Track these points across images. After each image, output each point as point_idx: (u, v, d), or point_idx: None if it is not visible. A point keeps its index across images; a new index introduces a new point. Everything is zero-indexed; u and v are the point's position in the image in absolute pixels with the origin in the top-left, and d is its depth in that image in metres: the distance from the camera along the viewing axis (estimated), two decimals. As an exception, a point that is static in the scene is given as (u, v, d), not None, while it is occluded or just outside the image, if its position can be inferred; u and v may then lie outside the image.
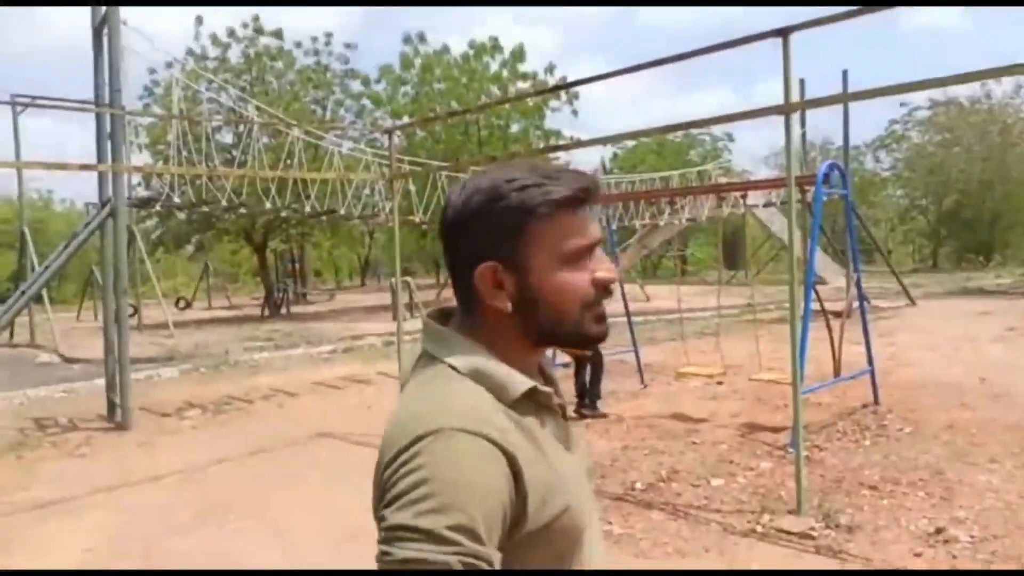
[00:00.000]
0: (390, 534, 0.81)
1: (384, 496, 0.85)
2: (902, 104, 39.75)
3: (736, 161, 39.66)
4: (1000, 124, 37.32)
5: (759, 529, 4.36)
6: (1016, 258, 38.28)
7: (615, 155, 44.25)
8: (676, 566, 3.95)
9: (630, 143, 39.85)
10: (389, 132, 8.41)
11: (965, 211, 38.09)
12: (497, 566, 0.83)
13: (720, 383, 8.60)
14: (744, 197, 8.59)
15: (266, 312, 22.70)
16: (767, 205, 21.01)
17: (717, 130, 43.31)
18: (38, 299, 13.84)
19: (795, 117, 4.72)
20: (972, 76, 4.10)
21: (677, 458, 5.88)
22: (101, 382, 8.74)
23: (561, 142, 26.39)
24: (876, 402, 7.16)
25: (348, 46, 26.69)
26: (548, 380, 1.07)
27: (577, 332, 1.00)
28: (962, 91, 37.60)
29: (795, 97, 4.74)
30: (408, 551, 0.79)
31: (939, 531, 4.15)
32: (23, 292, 8.10)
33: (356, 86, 27.05)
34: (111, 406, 8.18)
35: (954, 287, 22.72)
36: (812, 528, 4.28)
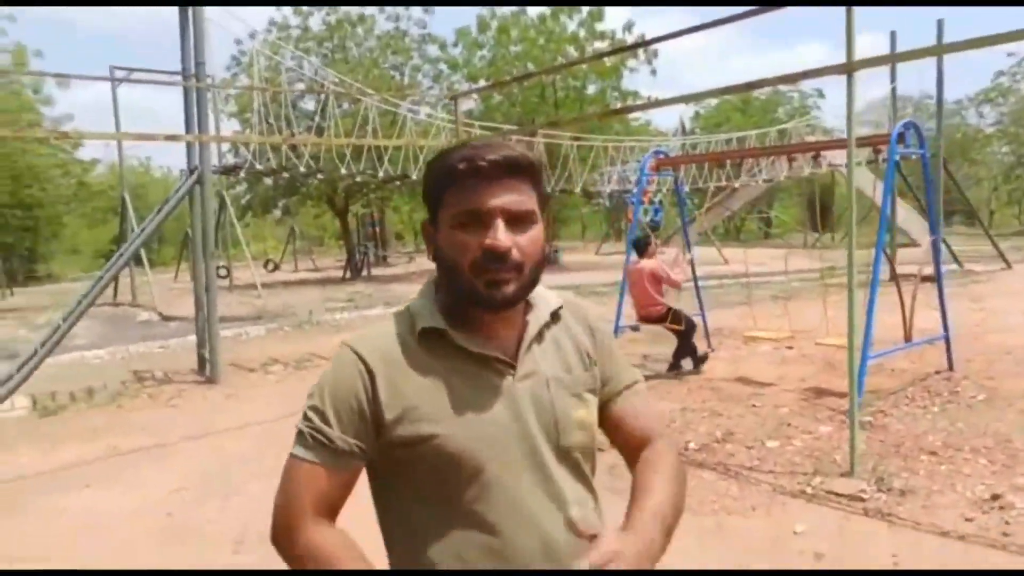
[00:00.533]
0: None
1: None
2: (1010, 54, 36.97)
3: (827, 118, 37.93)
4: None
5: (808, 490, 4.39)
6: None
7: (697, 114, 43.09)
8: (721, 523, 4.05)
9: (713, 101, 38.70)
10: (455, 98, 8.54)
11: (1078, 168, 35.39)
12: (340, 444, 1.11)
13: (790, 347, 8.50)
14: (817, 157, 8.32)
15: (348, 274, 23.50)
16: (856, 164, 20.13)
17: (807, 86, 41.56)
18: (138, 261, 14.82)
19: (880, 72, 4.57)
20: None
21: (736, 420, 5.91)
22: (194, 339, 9.38)
23: (639, 102, 25.93)
24: (951, 368, 6.94)
25: (426, 10, 26.91)
26: (518, 345, 1.17)
27: (470, 291, 1.11)
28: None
29: (883, 50, 4.60)
30: (298, 423, 1.15)
31: (995, 497, 4.08)
32: (120, 255, 8.74)
33: (433, 51, 27.29)
34: (201, 361, 8.79)
35: (1059, 250, 21.31)
36: (863, 491, 4.28)
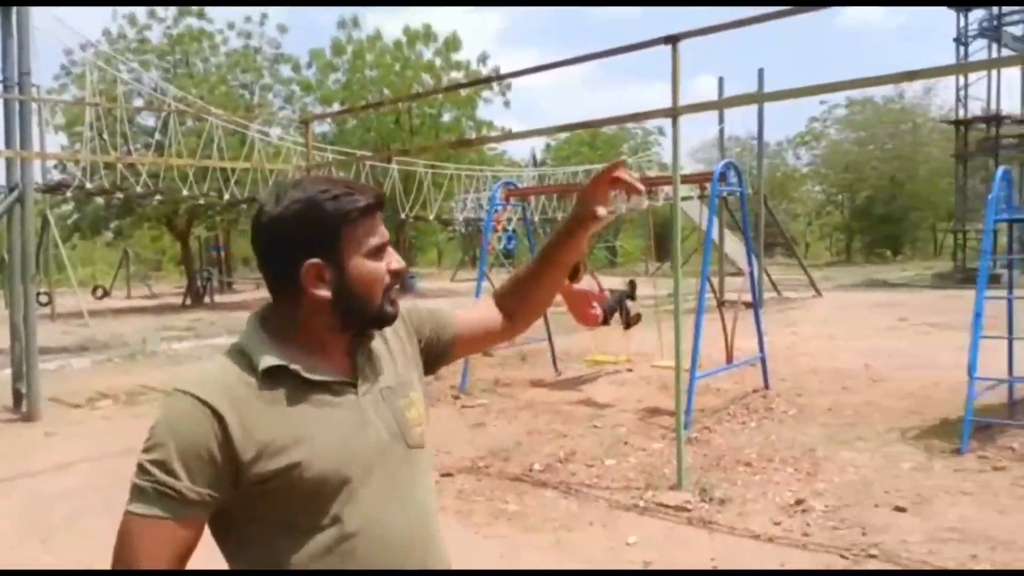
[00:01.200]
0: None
1: None
2: (822, 102, 41.42)
3: (667, 155, 40.58)
4: (911, 124, 39.31)
5: (641, 504, 4.71)
6: (921, 252, 40.47)
7: (548, 146, 44.68)
8: (560, 539, 4.25)
9: (564, 134, 40.29)
10: (307, 122, 8.45)
11: (876, 207, 40.02)
12: (189, 495, 1.10)
13: (629, 370, 9.01)
14: (650, 192, 8.96)
15: (188, 301, 22.24)
16: (686, 199, 21.66)
17: (650, 123, 44.22)
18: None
19: (707, 116, 5.03)
20: (859, 83, 4.49)
21: (578, 441, 6.21)
22: (8, 372, 8.55)
23: (492, 132, 26.58)
24: (767, 387, 7.66)
25: (282, 29, 26.17)
26: (353, 363, 1.28)
27: (380, 312, 1.26)
28: (877, 91, 39.41)
29: (710, 96, 5.07)
30: (134, 479, 1.12)
31: (799, 502, 4.57)
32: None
33: (286, 71, 26.64)
34: (17, 396, 8.03)
35: (861, 279, 23.98)
36: (688, 502, 4.65)
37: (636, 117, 5.10)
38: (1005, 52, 24.41)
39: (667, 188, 10.02)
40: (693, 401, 6.50)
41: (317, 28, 62.12)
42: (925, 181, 38.25)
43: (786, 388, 7.75)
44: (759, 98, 14.21)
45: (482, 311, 1.56)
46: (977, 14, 24.77)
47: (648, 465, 5.48)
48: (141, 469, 1.11)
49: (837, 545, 3.97)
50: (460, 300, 18.17)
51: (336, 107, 23.79)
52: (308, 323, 1.24)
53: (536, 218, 12.35)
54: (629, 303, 8.78)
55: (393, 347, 1.38)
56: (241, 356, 1.20)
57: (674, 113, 4.90)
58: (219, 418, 1.12)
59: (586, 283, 8.71)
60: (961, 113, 24.85)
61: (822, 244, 50.57)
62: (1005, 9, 24.83)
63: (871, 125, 40.16)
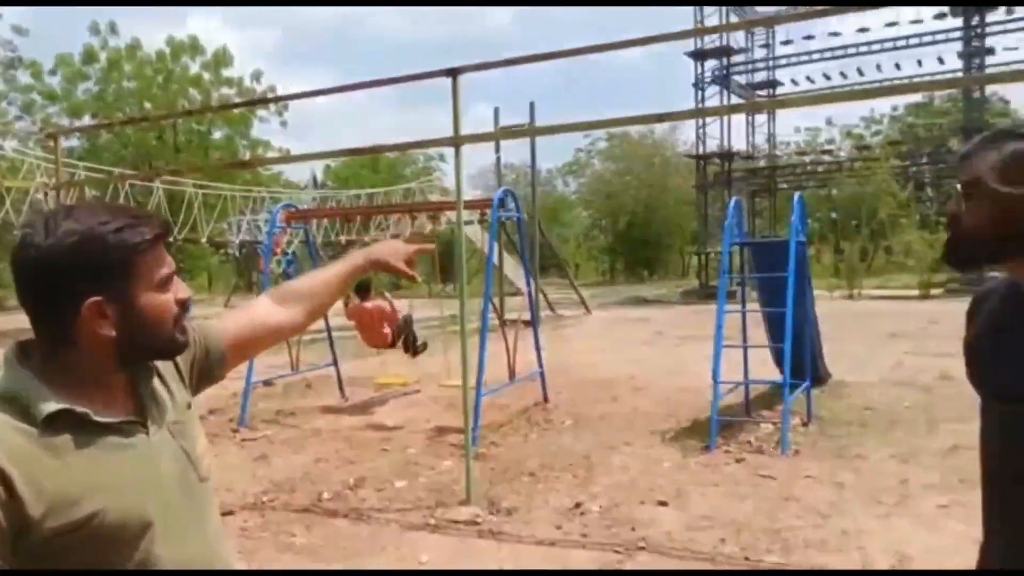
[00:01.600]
0: None
1: None
2: (586, 135, 44.89)
3: (449, 179, 41.63)
4: (660, 157, 43.88)
5: (432, 522, 4.79)
6: (672, 272, 45.20)
7: (328, 168, 43.81)
8: (352, 567, 4.21)
9: (344, 157, 39.77)
10: (54, 136, 7.61)
11: (634, 231, 44.09)
12: None
13: (417, 391, 9.10)
14: (434, 218, 9.19)
15: None
16: (467, 223, 22.40)
17: (432, 150, 45.09)
18: None
19: (486, 143, 5.23)
20: (612, 122, 4.97)
21: (367, 466, 6.16)
22: None
23: (271, 153, 25.60)
24: (546, 400, 8.14)
25: (19, 31, 23.18)
26: (137, 401, 1.23)
27: (171, 342, 1.23)
28: (633, 126, 43.52)
29: (488, 123, 5.33)
30: None
31: (577, 506, 4.93)
32: None
33: (25, 77, 23.62)
34: None
35: (624, 297, 26.25)
36: (477, 515, 4.81)
37: (420, 145, 5.26)
38: (734, 98, 28.18)
39: (450, 213, 10.34)
40: (480, 418, 6.73)
41: (64, 33, 55.72)
42: (673, 208, 42.80)
43: (563, 400, 8.28)
44: (532, 131, 15.16)
45: (252, 311, 1.56)
46: (711, 63, 28.40)
47: (438, 483, 5.58)
48: None
49: (612, 542, 4.34)
50: (236, 328, 17.12)
51: (88, 120, 21.54)
52: (86, 363, 1.16)
53: (319, 241, 12.10)
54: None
55: (166, 375, 1.33)
56: (8, 403, 1.09)
57: (456, 143, 5.11)
58: (2, 476, 1.03)
59: (373, 305, 8.71)
60: (701, 149, 28.25)
61: (590, 265, 54.53)
62: (733, 60, 28.72)
63: (628, 158, 44.25)
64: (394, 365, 9.07)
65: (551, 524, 4.66)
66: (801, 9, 8.51)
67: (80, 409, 1.12)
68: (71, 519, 1.07)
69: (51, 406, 1.09)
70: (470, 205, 7.58)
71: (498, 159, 19.18)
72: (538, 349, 8.12)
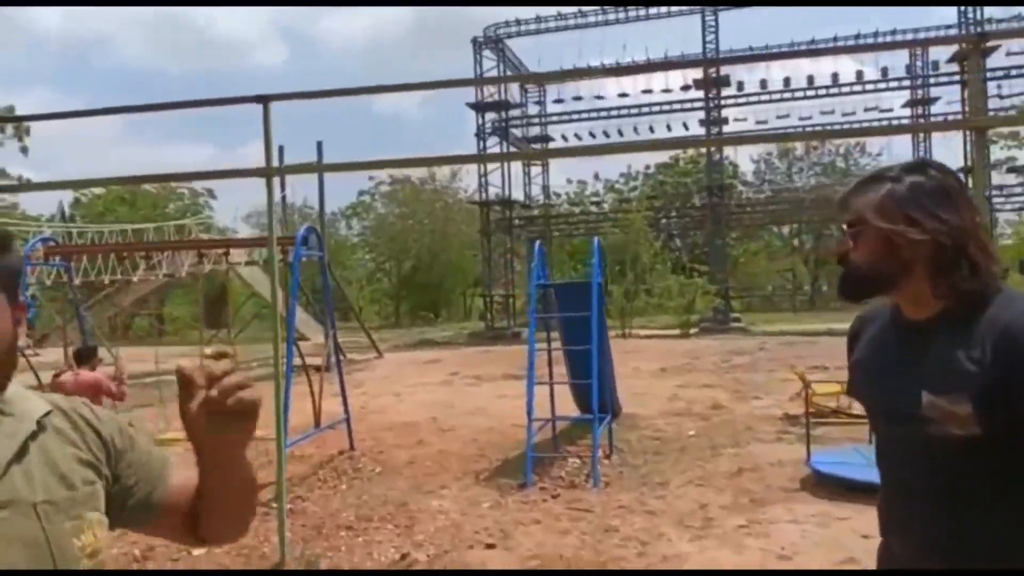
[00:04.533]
0: None
1: None
2: (370, 177, 44.67)
3: (218, 218, 39.11)
4: (442, 203, 44.80)
5: (244, 591, 4.31)
6: (455, 314, 46.05)
7: (77, 201, 39.31)
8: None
9: (97, 190, 35.92)
10: None
11: (419, 275, 44.37)
12: None
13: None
14: (226, 254, 8.54)
15: None
16: (249, 263, 21.13)
17: (198, 185, 42.16)
18: None
19: (258, 183, 4.90)
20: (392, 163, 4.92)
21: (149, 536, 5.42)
22: None
23: (6, 181, 22.33)
24: (352, 448, 7.77)
25: None
26: None
27: None
28: (414, 171, 44.07)
29: (258, 159, 4.99)
30: None
31: (404, 556, 4.71)
32: None
33: None
34: None
35: (413, 340, 26.14)
36: (295, 578, 4.42)
37: (231, 174, 4.84)
38: (514, 149, 29.67)
39: (220, 252, 9.59)
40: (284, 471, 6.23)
41: None
42: (457, 253, 43.75)
43: (368, 447, 7.95)
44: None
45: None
46: (491, 116, 29.75)
47: (244, 546, 5.05)
48: None
49: (445, 590, 4.18)
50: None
51: None
52: None
53: (78, 281, 10.61)
54: None
55: (84, 456, 1.06)
56: None
57: (270, 174, 4.79)
58: None
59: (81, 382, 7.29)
60: (483, 196, 29.29)
61: (372, 308, 53.83)
62: (511, 113, 30.33)
63: (411, 202, 44.64)
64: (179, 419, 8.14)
65: (379, 579, 4.40)
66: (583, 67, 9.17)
67: None
68: None
69: None
70: (280, 242, 7.11)
71: (284, 197, 18.39)
72: (344, 395, 7.77)
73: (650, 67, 30.73)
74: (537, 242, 7.43)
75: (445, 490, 6.28)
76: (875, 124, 29.09)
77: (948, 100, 28.21)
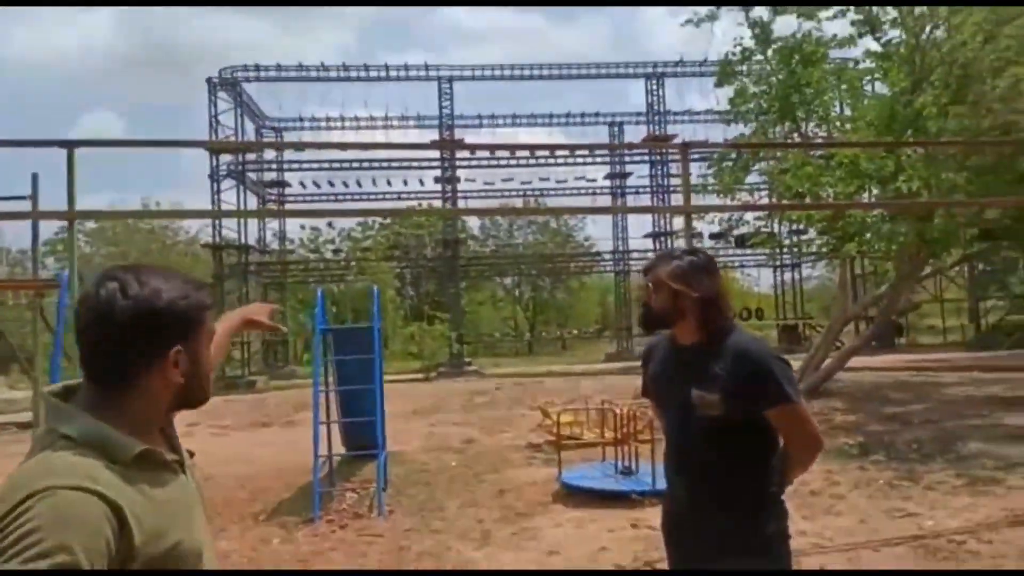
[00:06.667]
0: None
1: None
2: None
3: None
4: (161, 243, 41.53)
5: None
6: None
7: None
8: None
9: None
10: None
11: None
12: None
13: None
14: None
15: None
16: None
17: None
18: None
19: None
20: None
21: None
22: None
23: None
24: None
25: None
26: (169, 439, 1.42)
27: (207, 392, 1.43)
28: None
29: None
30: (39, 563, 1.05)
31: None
32: None
33: None
34: None
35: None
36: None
37: (22, 216, 4.69)
38: (251, 197, 28.84)
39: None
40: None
41: None
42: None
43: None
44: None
45: None
46: (226, 158, 28.72)
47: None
48: (43, 556, 1.05)
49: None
50: None
51: None
52: (145, 406, 1.31)
53: None
54: None
55: None
56: (95, 448, 1.21)
57: (70, 217, 4.78)
58: (117, 511, 1.15)
59: None
60: (216, 240, 28.00)
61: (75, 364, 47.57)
62: (248, 157, 29.57)
63: (123, 241, 40.70)
64: None
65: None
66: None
67: (158, 449, 1.31)
68: (161, 549, 1.23)
69: (137, 447, 1.25)
70: (26, 285, 6.67)
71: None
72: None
73: (388, 129, 31.94)
74: (319, 289, 7.83)
75: (225, 531, 6.33)
76: (582, 192, 33.61)
77: (638, 175, 33.63)
